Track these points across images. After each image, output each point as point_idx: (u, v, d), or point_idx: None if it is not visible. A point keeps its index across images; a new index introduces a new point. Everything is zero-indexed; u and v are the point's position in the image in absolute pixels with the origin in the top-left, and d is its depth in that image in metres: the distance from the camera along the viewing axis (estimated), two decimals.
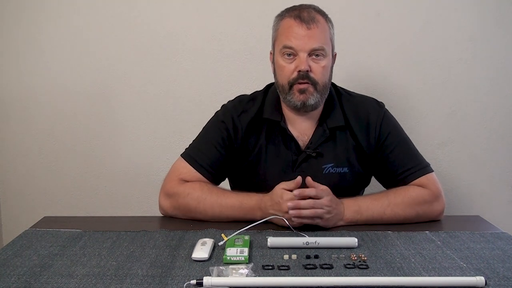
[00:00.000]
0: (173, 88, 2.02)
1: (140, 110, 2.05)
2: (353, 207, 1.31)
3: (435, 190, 1.37)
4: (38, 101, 2.05)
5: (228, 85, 1.98)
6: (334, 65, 1.44)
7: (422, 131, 2.01)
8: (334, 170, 1.41)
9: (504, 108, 2.01)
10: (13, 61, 2.03)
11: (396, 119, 1.49)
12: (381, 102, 1.49)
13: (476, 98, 2.00)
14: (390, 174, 1.43)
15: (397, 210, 1.32)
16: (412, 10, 1.95)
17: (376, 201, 1.33)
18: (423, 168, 1.40)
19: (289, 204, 1.23)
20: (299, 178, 1.27)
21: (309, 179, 1.28)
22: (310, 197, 1.24)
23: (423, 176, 1.39)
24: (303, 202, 1.23)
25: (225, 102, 1.51)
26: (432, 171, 1.41)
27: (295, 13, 1.36)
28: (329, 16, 1.41)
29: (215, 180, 1.44)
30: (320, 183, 1.30)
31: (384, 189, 1.46)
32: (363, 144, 1.42)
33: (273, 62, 1.43)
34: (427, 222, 1.36)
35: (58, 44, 2.01)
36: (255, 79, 1.93)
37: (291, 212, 1.23)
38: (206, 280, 0.95)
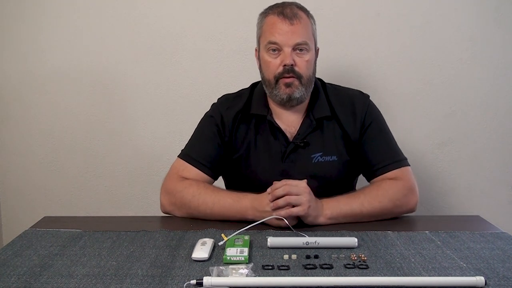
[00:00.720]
0: (173, 88, 2.03)
1: (140, 110, 2.05)
2: (332, 203, 1.32)
3: (409, 183, 1.40)
4: (38, 101, 2.05)
5: (228, 85, 1.98)
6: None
7: (422, 131, 2.01)
8: (323, 158, 1.44)
9: (504, 108, 2.01)
10: (13, 61, 2.04)
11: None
12: (366, 94, 1.52)
13: (476, 98, 2.01)
14: (367, 164, 1.46)
15: (374, 202, 1.34)
16: (412, 10, 1.96)
17: (353, 197, 1.36)
18: (399, 161, 1.43)
19: (269, 197, 1.26)
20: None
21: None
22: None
23: (398, 169, 1.42)
24: (277, 190, 1.25)
25: None
26: (408, 165, 1.44)
27: (278, 10, 1.40)
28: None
29: (214, 175, 1.47)
30: (311, 172, 1.36)
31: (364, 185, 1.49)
32: (349, 132, 1.45)
33: (258, 58, 1.48)
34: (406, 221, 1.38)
35: (58, 44, 2.01)
36: (255, 79, 1.92)
37: (270, 205, 1.26)
38: (206, 280, 0.95)
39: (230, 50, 1.99)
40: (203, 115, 1.54)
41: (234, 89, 1.58)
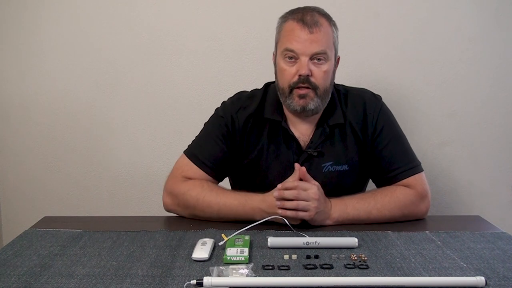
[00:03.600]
0: (173, 88, 2.02)
1: (140, 110, 2.05)
2: (340, 206, 1.32)
3: (422, 191, 1.38)
4: (38, 101, 2.05)
5: (228, 85, 1.98)
6: None
7: (422, 131, 2.01)
8: (333, 168, 1.41)
9: (504, 108, 2.01)
10: (14, 61, 2.03)
11: (396, 119, 1.49)
12: (378, 95, 1.49)
13: (476, 98, 2.00)
14: (380, 171, 1.43)
15: (383, 210, 1.33)
16: (411, 10, 1.95)
17: (363, 201, 1.34)
18: (412, 168, 1.40)
19: (275, 194, 1.24)
20: (296, 164, 1.31)
21: (302, 170, 1.29)
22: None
23: (412, 177, 1.39)
24: (287, 193, 1.24)
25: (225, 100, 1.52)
26: (422, 170, 1.42)
27: (299, 16, 1.34)
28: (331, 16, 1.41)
29: (217, 176, 1.45)
30: (321, 182, 1.31)
31: (374, 185, 1.48)
32: (362, 137, 1.42)
33: (275, 63, 1.42)
34: (412, 221, 1.37)
35: (58, 44, 2.01)
36: (255, 79, 1.93)
37: (276, 203, 1.24)
38: (206, 280, 0.95)
39: (230, 50, 1.99)
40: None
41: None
